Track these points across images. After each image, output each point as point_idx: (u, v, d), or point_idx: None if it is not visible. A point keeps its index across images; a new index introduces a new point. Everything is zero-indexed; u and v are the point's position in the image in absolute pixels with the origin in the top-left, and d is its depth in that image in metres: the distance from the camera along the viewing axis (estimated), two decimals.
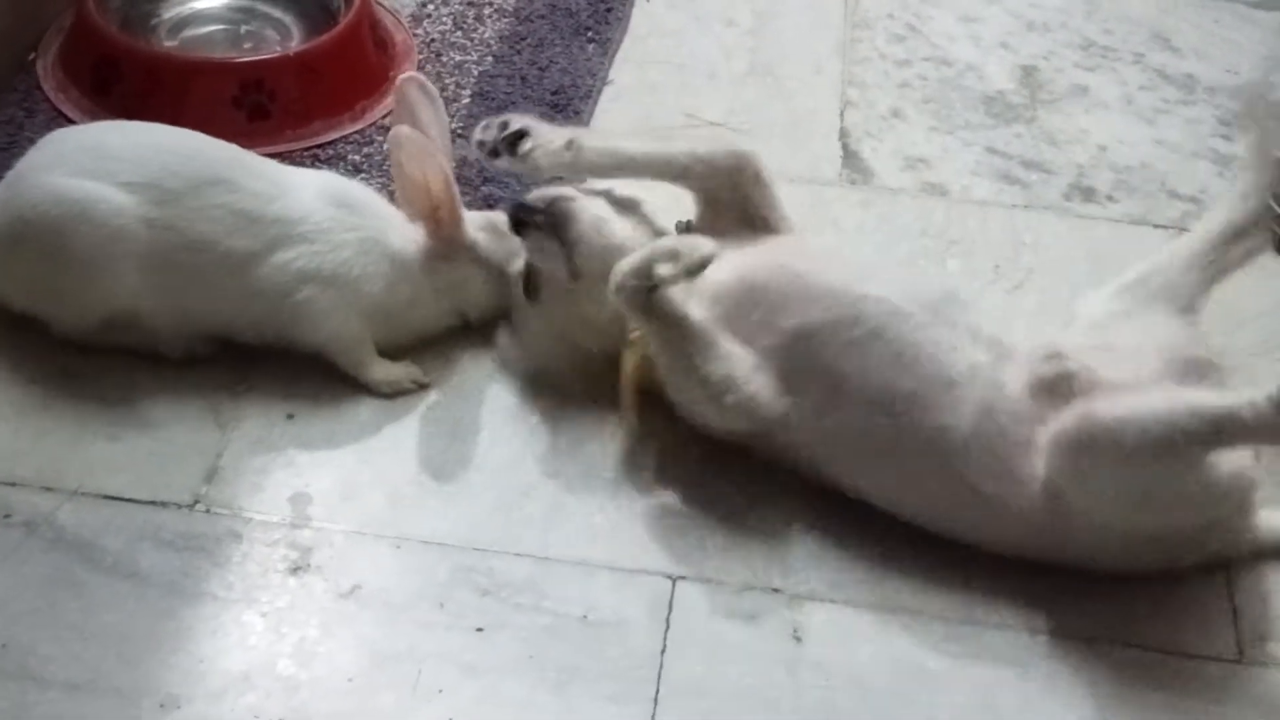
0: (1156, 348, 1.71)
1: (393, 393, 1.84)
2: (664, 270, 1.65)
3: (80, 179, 1.76)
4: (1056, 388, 1.65)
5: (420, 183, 1.82)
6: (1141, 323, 1.77)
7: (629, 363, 1.78)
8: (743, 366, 1.70)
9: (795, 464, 1.75)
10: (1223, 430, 1.53)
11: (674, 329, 1.68)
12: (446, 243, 1.86)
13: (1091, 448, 1.58)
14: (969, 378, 1.67)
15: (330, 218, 1.82)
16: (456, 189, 1.83)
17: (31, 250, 1.77)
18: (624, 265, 1.68)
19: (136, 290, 1.78)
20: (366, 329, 1.84)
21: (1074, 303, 1.88)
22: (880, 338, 1.69)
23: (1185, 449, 1.55)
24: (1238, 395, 1.53)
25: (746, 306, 1.73)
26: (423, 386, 1.85)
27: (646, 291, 1.66)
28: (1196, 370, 1.69)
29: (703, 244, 1.68)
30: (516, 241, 1.85)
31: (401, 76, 1.91)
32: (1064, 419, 1.62)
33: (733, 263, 1.75)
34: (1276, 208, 2.10)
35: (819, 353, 1.70)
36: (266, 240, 1.79)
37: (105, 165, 1.77)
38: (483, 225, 1.90)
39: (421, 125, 1.86)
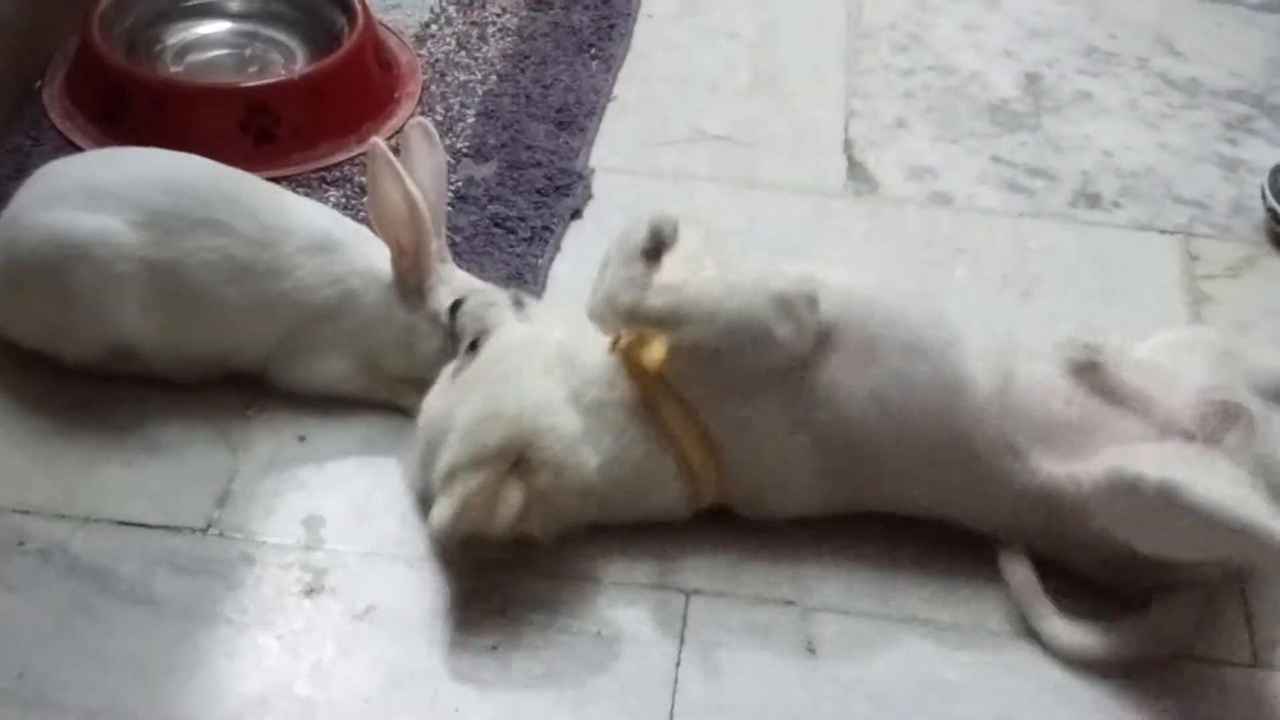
0: (1196, 384, 1.66)
1: None
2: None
3: (78, 215, 1.75)
4: (1084, 372, 1.64)
5: (395, 204, 1.77)
6: (1197, 358, 1.72)
7: (647, 352, 1.66)
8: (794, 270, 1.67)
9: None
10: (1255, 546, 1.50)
11: (693, 309, 1.61)
12: (411, 282, 1.80)
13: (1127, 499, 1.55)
14: (1000, 337, 1.67)
15: (313, 273, 1.80)
16: (428, 224, 1.78)
17: (33, 293, 1.77)
18: (612, 290, 1.63)
19: (139, 327, 1.78)
20: (365, 371, 1.83)
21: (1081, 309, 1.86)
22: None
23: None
24: None
25: None
26: None
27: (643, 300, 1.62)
28: (1221, 415, 1.60)
29: (660, 216, 1.65)
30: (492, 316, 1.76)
31: (409, 121, 1.88)
32: (1093, 468, 1.59)
33: None
34: None
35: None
36: (254, 295, 1.78)
37: (103, 201, 1.75)
38: (459, 283, 1.83)
39: (415, 166, 1.82)
